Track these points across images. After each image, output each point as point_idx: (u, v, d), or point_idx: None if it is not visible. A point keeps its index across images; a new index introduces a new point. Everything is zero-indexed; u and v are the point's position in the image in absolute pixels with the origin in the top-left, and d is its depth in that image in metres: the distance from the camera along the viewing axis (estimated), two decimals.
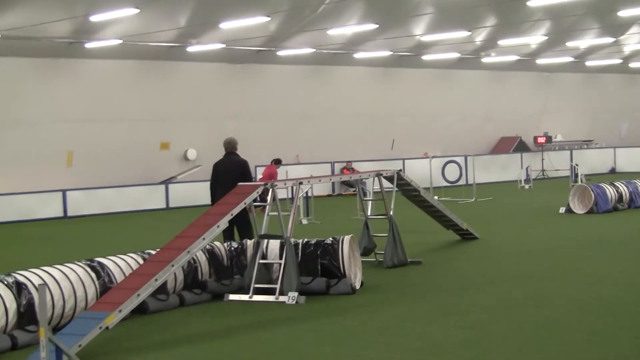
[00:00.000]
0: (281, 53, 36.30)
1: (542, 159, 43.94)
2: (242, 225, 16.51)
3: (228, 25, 30.52)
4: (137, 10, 26.94)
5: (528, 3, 30.23)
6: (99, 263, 12.84)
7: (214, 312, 13.11)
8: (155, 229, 25.47)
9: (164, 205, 32.31)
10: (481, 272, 15.83)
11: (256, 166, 32.22)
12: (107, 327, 10.59)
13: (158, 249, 13.10)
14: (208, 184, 17.71)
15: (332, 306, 13.19)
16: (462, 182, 40.02)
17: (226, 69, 36.89)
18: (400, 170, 18.28)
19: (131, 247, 16.09)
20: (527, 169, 40.32)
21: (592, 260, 17.10)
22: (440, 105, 43.91)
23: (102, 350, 10.77)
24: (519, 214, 26.52)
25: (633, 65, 49.59)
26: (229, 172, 16.96)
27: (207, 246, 13.99)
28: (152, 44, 32.37)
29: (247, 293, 13.81)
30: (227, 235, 16.26)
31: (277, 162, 30.57)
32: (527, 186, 38.29)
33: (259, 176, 30.58)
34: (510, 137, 46.57)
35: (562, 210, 26.22)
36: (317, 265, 14.19)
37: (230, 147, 17.62)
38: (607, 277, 14.96)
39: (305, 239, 14.81)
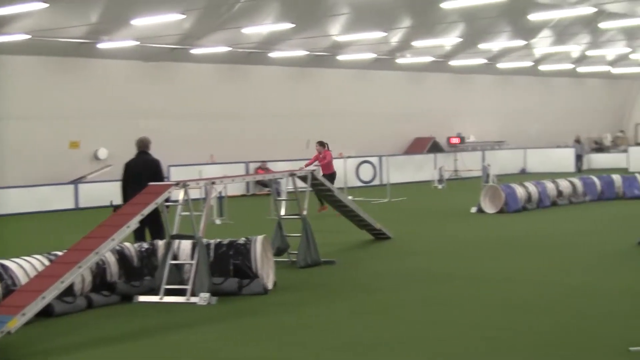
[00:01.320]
0: (196, 51, 35.92)
1: (455, 160, 44.38)
2: (153, 226, 16.24)
3: (141, 22, 30.03)
4: (46, 5, 26.22)
5: (442, 5, 30.41)
6: (2, 265, 12.40)
7: (123, 314, 12.81)
8: (64, 229, 24.88)
9: (73, 206, 31.70)
10: (394, 272, 15.82)
11: (169, 166, 31.88)
12: (9, 332, 10.27)
13: (65, 250, 12.76)
14: (119, 183, 17.37)
15: (245, 307, 13.03)
16: (376, 182, 40.22)
17: (139, 66, 36.37)
18: (315, 170, 18.21)
19: (37, 248, 15.64)
20: (440, 169, 40.64)
21: (502, 259, 17.25)
22: (356, 105, 43.94)
23: (3, 355, 10.40)
24: (432, 214, 26.69)
25: (543, 67, 50.34)
26: (141, 172, 16.66)
27: (117, 247, 13.67)
28: (62, 39, 31.61)
29: (158, 294, 13.54)
30: (138, 235, 15.97)
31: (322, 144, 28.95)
32: (440, 186, 38.58)
33: (173, 176, 30.22)
34: (424, 138, 46.86)
35: (473, 210, 26.46)
36: (229, 265, 14.00)
37: (143, 146, 17.32)
38: (516, 276, 15.10)
39: (218, 239, 14.61)
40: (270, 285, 14.21)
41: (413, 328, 11.39)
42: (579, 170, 45.74)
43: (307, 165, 25.07)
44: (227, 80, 39.28)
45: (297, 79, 41.96)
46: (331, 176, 25.78)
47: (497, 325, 11.38)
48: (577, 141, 48.78)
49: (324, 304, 13.11)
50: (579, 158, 47.78)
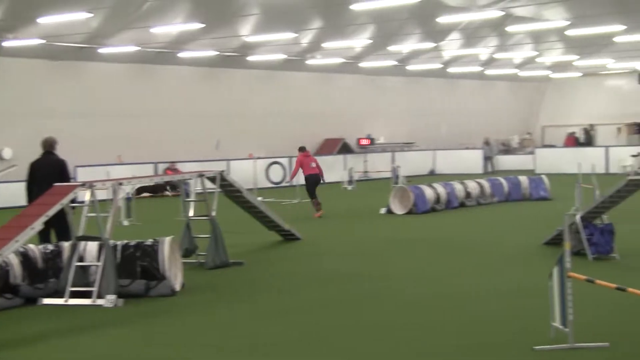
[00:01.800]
0: (104, 50, 35.52)
1: (365, 161, 44.63)
2: (59, 227, 16.02)
3: (47, 20, 29.60)
4: None
5: (352, 7, 30.57)
6: None
7: (26, 317, 12.60)
8: None
9: None
10: (303, 273, 15.88)
11: (76, 166, 31.46)
12: None
13: None
14: (24, 184, 17.08)
15: (152, 308, 12.97)
16: (286, 183, 40.22)
17: (45, 65, 35.75)
18: (224, 171, 18.16)
19: None
20: (350, 170, 40.82)
21: (409, 260, 17.43)
22: (266, 106, 43.91)
23: None
24: (342, 215, 26.80)
25: (452, 70, 50.94)
26: (47, 172, 16.42)
27: (21, 248, 13.44)
28: None
29: (63, 297, 13.38)
30: (43, 237, 15.73)
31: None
32: (349, 187, 38.78)
33: (79, 177, 29.85)
34: (334, 139, 47.00)
35: (382, 211, 26.66)
36: (136, 267, 13.88)
37: (48, 146, 17.06)
38: (423, 276, 15.26)
39: (125, 241, 14.46)
40: (178, 287, 14.13)
41: (317, 328, 11.46)
42: (490, 171, 46.33)
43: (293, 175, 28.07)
44: (136, 80, 38.91)
45: (207, 80, 41.77)
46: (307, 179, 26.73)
47: (401, 324, 11.51)
48: (487, 143, 49.39)
49: (232, 306, 13.12)
50: (489, 160, 48.43)
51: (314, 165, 26.81)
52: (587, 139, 55.75)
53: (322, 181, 26.91)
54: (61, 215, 14.64)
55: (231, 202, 19.07)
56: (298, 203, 30.94)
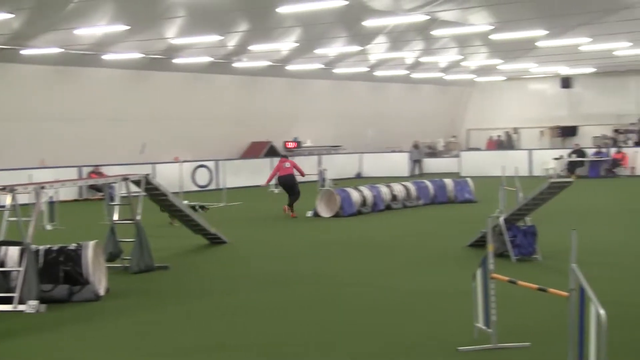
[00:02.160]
0: (26, 52, 35.00)
1: None
2: None
3: None
4: None
5: (278, 10, 30.57)
6: None
7: None
8: None
9: None
10: (230, 276, 15.85)
11: None
12: None
13: None
14: None
15: (76, 314, 12.81)
16: (212, 186, 40.12)
17: None
18: (149, 174, 18.03)
19: None
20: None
21: (337, 261, 17.49)
22: (192, 109, 43.70)
23: None
24: (268, 218, 26.81)
25: (378, 73, 51.23)
26: None
27: None
28: None
29: None
30: None
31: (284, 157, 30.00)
32: (276, 190, 38.67)
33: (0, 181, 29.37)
34: (261, 142, 46.97)
35: (309, 214, 26.71)
36: (59, 272, 13.71)
37: None
38: (351, 277, 15.34)
39: (48, 245, 14.29)
40: (102, 292, 13.98)
41: (243, 331, 11.43)
42: (418, 174, 46.61)
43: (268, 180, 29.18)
44: (59, 82, 38.34)
45: (133, 82, 41.37)
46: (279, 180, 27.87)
47: (327, 325, 11.54)
48: (415, 146, 49.61)
49: (157, 310, 13.01)
50: (417, 163, 48.66)
51: (287, 165, 27.50)
52: (509, 143, 56.45)
53: (295, 182, 27.48)
54: None
55: (156, 206, 18.98)
56: (224, 206, 30.88)
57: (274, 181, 39.35)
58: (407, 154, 49.43)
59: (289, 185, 27.27)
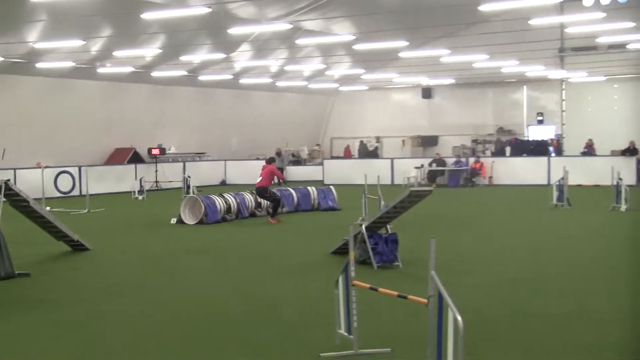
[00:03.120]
0: None
1: (156, 171, 44.30)
2: None
3: None
4: None
5: (142, 16, 30.35)
6: None
7: None
8: None
9: None
10: (93, 284, 15.68)
11: None
12: None
13: None
14: None
15: None
16: (75, 192, 39.49)
17: None
18: (9, 180, 17.70)
19: None
20: (141, 180, 40.43)
21: (200, 269, 17.49)
22: (55, 114, 42.89)
23: None
24: (132, 225, 26.56)
25: (243, 81, 51.30)
26: None
27: None
28: None
29: None
30: None
31: (271, 160, 29.57)
32: (140, 197, 38.42)
33: None
34: (125, 149, 46.44)
35: (173, 220, 26.58)
36: None
37: None
38: (214, 285, 15.35)
39: None
40: None
41: (107, 345, 11.35)
42: (283, 182, 46.57)
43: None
44: None
45: None
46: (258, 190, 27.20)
47: (192, 341, 11.56)
48: (278, 154, 49.71)
49: (18, 320, 12.74)
50: (280, 170, 48.68)
51: (260, 177, 27.41)
52: (365, 151, 56.80)
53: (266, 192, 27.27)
54: None
55: (17, 212, 18.63)
56: (87, 213, 30.47)
57: (136, 187, 39.28)
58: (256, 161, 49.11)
59: (261, 196, 27.62)
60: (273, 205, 27.12)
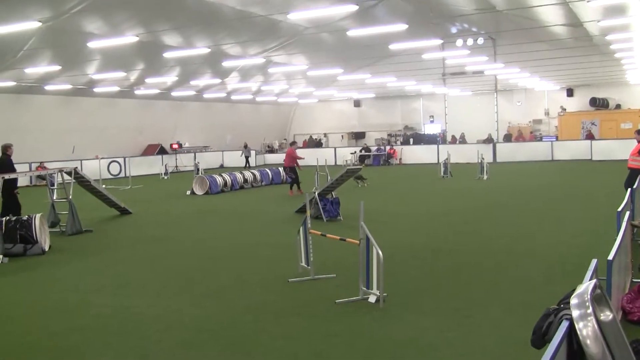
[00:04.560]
0: None
1: (176, 159, 44.07)
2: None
3: None
4: None
5: (164, 54, 30.16)
6: None
7: None
8: None
9: None
10: (133, 236, 15.68)
11: None
12: None
13: None
14: None
15: (28, 264, 12.52)
16: (122, 175, 39.23)
17: None
18: (77, 167, 17.66)
19: None
20: (165, 165, 40.27)
21: (205, 224, 17.50)
22: (106, 122, 42.50)
23: None
24: (160, 196, 26.48)
25: (233, 97, 51.09)
26: None
27: None
28: None
29: None
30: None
31: (293, 143, 26.82)
32: (165, 177, 38.26)
33: None
34: (154, 144, 46.15)
35: (188, 192, 26.54)
36: (16, 235, 13.40)
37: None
38: (217, 235, 15.32)
39: (8, 217, 13.89)
40: (46, 248, 13.72)
41: (145, 273, 11.41)
42: (248, 166, 45.32)
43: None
44: (14, 105, 36.67)
45: (66, 105, 39.76)
46: (291, 169, 24.44)
47: (198, 270, 11.62)
48: (245, 146, 48.54)
49: (84, 260, 12.83)
50: (247, 158, 47.35)
51: (284, 157, 25.09)
52: (313, 143, 56.44)
53: (291, 169, 24.49)
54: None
55: (82, 190, 18.56)
56: (130, 189, 30.32)
57: (162, 170, 39.01)
58: (239, 152, 48.66)
59: (286, 172, 25.62)
60: (291, 181, 25.07)
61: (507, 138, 47.78)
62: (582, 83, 49.03)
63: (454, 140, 48.18)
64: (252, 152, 48.71)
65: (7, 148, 16.42)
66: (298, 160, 24.71)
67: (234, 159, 47.84)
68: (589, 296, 4.29)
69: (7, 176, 15.01)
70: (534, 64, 39.36)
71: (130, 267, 11.90)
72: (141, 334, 7.72)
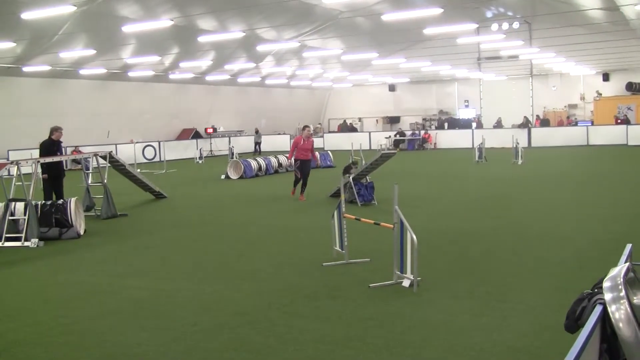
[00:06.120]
0: (26, 69, 33.63)
1: (210, 143, 44.31)
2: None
3: None
4: None
5: (199, 39, 30.23)
6: None
7: None
8: None
9: None
10: (168, 220, 15.75)
11: (8, 150, 29.90)
12: None
13: None
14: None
15: (64, 247, 12.62)
16: (156, 159, 39.57)
17: None
18: (112, 151, 17.80)
19: None
20: (200, 150, 40.51)
21: (240, 208, 17.52)
22: (141, 106, 42.90)
23: None
24: (195, 180, 26.64)
25: (268, 82, 51.16)
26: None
27: None
28: None
29: (0, 240, 12.85)
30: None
31: (305, 127, 19.64)
32: (200, 161, 38.51)
33: (11, 157, 28.36)
34: (189, 129, 46.47)
35: (222, 177, 26.64)
36: (52, 219, 13.51)
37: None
38: (252, 219, 15.26)
39: (43, 201, 14.05)
40: (82, 232, 13.83)
41: (173, 256, 11.42)
42: (259, 152, 44.16)
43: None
44: (49, 89, 37.13)
45: (100, 89, 40.20)
46: (304, 163, 18.59)
47: (233, 253, 11.63)
48: (256, 131, 47.76)
49: (119, 243, 12.90)
50: (257, 144, 45.81)
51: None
52: (347, 128, 56.29)
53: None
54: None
55: (117, 174, 18.71)
56: (165, 173, 30.54)
57: (197, 154, 39.17)
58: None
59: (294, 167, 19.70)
60: (295, 179, 22.23)
61: (545, 123, 47.13)
62: (618, 68, 48.19)
63: (499, 124, 47.44)
64: (263, 138, 47.74)
65: (52, 131, 16.56)
66: (306, 153, 18.59)
67: (268, 142, 47.95)
68: (622, 279, 4.20)
69: (41, 160, 15.15)
70: (570, 48, 38.73)
71: (165, 251, 11.94)
72: (176, 317, 7.73)
